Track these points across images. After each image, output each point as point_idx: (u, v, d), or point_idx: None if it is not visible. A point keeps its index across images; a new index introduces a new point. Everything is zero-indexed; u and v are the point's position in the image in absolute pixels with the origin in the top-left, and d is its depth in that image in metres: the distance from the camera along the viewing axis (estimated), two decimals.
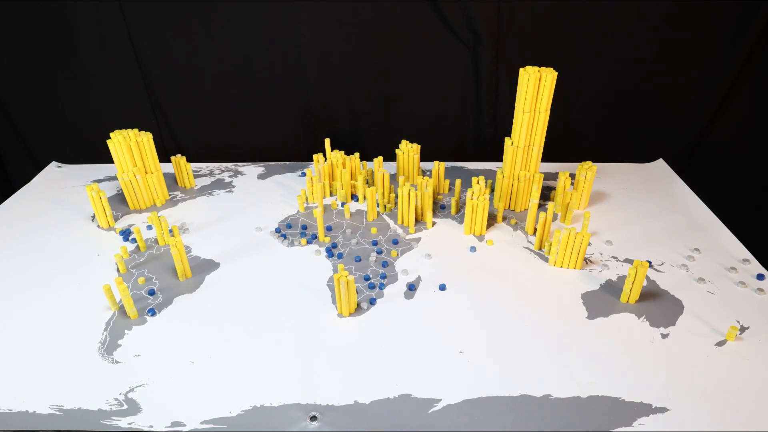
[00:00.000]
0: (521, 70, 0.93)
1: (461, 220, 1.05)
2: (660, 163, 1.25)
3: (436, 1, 1.16)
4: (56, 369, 0.72)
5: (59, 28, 1.22)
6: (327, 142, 1.14)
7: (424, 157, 1.17)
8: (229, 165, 1.27)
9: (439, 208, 1.09)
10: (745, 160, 1.38)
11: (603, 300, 0.84)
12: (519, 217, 1.06)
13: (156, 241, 0.98)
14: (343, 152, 1.12)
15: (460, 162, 1.26)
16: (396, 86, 1.31)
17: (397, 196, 1.07)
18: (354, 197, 1.13)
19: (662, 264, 0.92)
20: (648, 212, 1.06)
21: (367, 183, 1.15)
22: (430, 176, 1.18)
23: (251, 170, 1.25)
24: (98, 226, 1.03)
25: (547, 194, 1.13)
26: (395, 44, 1.24)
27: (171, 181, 1.19)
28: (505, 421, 0.65)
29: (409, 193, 0.99)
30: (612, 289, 0.86)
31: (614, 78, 1.27)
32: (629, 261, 0.92)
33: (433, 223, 1.04)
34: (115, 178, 1.20)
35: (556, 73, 0.92)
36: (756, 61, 1.21)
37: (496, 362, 0.73)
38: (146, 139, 1.05)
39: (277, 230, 1.01)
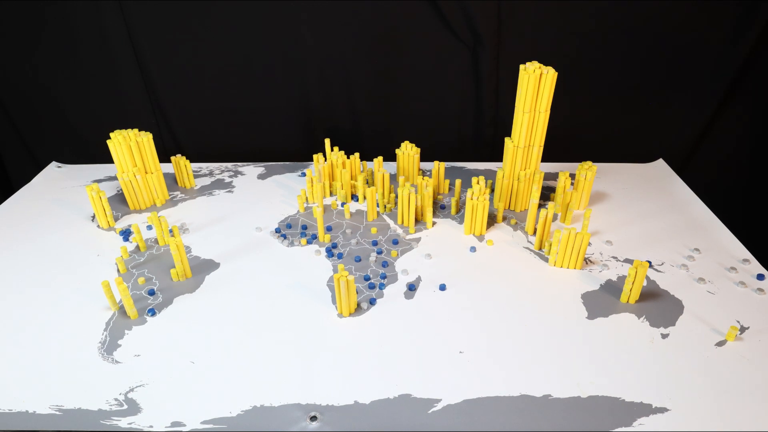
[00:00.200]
0: (521, 68, 0.93)
1: (461, 220, 1.05)
2: (660, 163, 1.25)
3: (436, 1, 1.16)
4: (56, 369, 0.72)
5: (59, 28, 1.22)
6: (327, 142, 1.14)
7: (424, 157, 1.17)
8: (229, 165, 1.27)
9: (439, 208, 1.09)
10: (745, 160, 1.38)
11: (603, 300, 0.84)
12: (519, 217, 1.06)
13: (156, 241, 0.98)
14: (342, 152, 1.12)
15: (460, 162, 1.26)
16: (396, 86, 1.31)
17: (397, 197, 1.07)
18: (354, 197, 1.13)
19: (662, 264, 0.92)
20: (648, 212, 1.06)
21: (367, 183, 1.15)
22: (430, 176, 1.18)
23: (251, 170, 1.25)
24: (98, 226, 1.03)
25: (547, 194, 1.13)
26: (395, 44, 1.24)
27: (171, 181, 1.19)
28: (505, 421, 0.65)
29: (409, 194, 0.99)
30: (612, 289, 0.86)
31: (614, 78, 1.27)
32: (629, 261, 0.92)
33: (433, 223, 1.04)
34: (115, 178, 1.20)
35: (556, 73, 0.92)
36: (756, 61, 1.21)
37: (496, 362, 0.73)
38: (146, 139, 1.05)
39: (277, 230, 1.01)
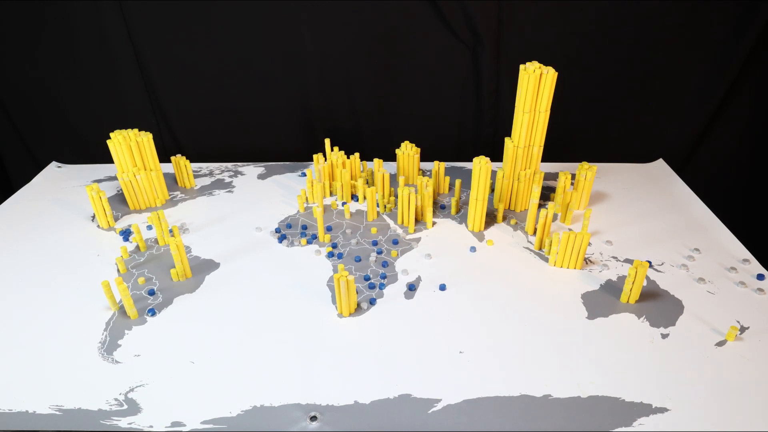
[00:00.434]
0: (521, 68, 0.93)
1: (461, 220, 1.05)
2: (660, 163, 1.25)
3: (436, 1, 1.16)
4: (56, 369, 0.72)
5: (59, 28, 1.22)
6: (327, 142, 1.13)
7: (424, 157, 1.17)
8: (229, 165, 1.27)
9: (439, 208, 1.09)
10: (745, 160, 1.38)
11: (603, 300, 0.84)
12: (519, 217, 1.06)
13: (156, 241, 0.98)
14: (342, 152, 1.12)
15: (460, 162, 1.26)
16: (396, 86, 1.31)
17: (396, 197, 1.07)
18: (354, 197, 1.13)
19: (662, 264, 0.92)
20: (648, 212, 1.06)
21: (367, 183, 1.15)
22: (430, 176, 1.18)
23: (251, 170, 1.25)
24: (98, 226, 1.03)
25: (547, 194, 1.13)
26: (395, 44, 1.24)
27: (171, 181, 1.19)
28: (505, 421, 0.65)
29: (409, 194, 0.99)
30: (612, 289, 0.86)
31: (614, 78, 1.27)
32: (629, 261, 0.92)
33: (433, 223, 1.04)
34: (115, 178, 1.20)
35: (556, 73, 0.92)
36: (756, 61, 1.21)
37: (496, 362, 0.73)
38: (146, 139, 1.05)
39: (277, 230, 1.01)
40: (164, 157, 1.25)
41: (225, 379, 0.71)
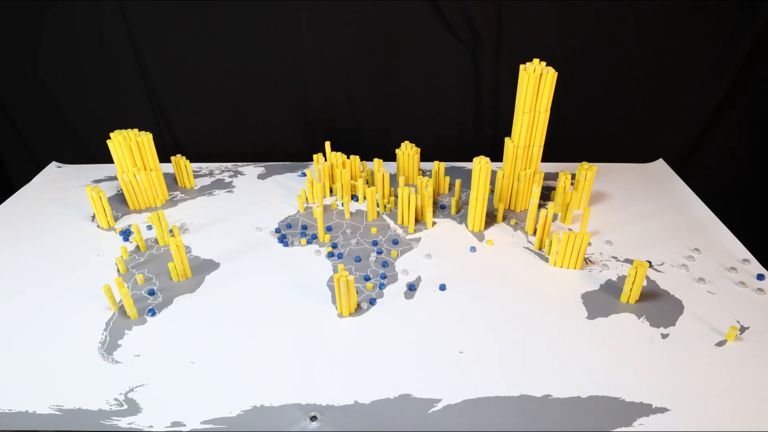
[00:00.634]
0: (521, 68, 0.93)
1: (461, 220, 1.05)
2: (660, 163, 1.25)
3: (436, 1, 1.16)
4: (56, 369, 0.72)
5: (59, 28, 1.22)
6: (327, 145, 1.13)
7: (424, 157, 1.17)
8: (229, 165, 1.27)
9: (439, 208, 1.09)
10: (745, 160, 1.38)
11: (603, 300, 0.84)
12: (519, 217, 1.06)
13: (156, 241, 0.98)
14: (344, 155, 1.12)
15: (460, 162, 1.26)
16: (396, 86, 1.31)
17: (396, 197, 1.07)
18: (354, 197, 1.13)
19: (662, 264, 0.92)
20: (648, 212, 1.06)
21: (367, 183, 1.15)
22: (429, 176, 1.18)
23: (251, 170, 1.25)
24: (98, 226, 1.03)
25: (547, 194, 1.13)
26: (395, 44, 1.24)
27: (171, 181, 1.19)
28: (505, 421, 0.65)
29: (409, 194, 0.99)
30: (612, 289, 0.86)
31: (614, 78, 1.27)
32: (629, 261, 0.92)
33: (433, 223, 1.04)
34: (115, 178, 1.20)
35: (556, 73, 0.92)
36: (756, 61, 1.21)
37: (496, 362, 0.73)
38: (146, 139, 1.05)
39: (277, 230, 1.01)
40: (164, 157, 1.25)
41: (225, 379, 0.71)
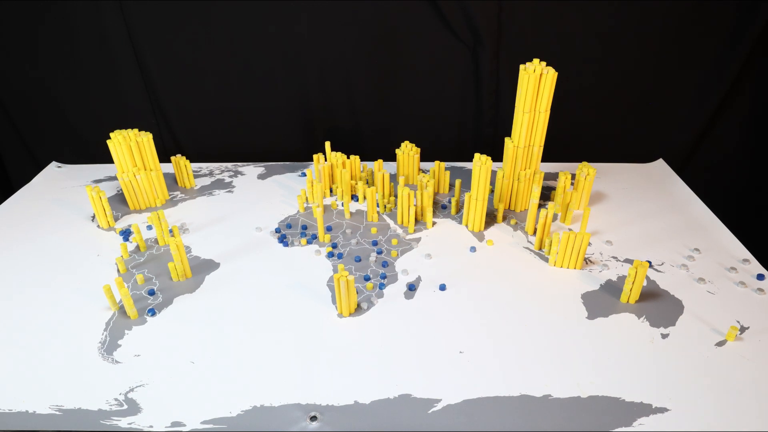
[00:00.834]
0: (521, 68, 0.93)
1: (461, 220, 1.05)
2: (660, 163, 1.25)
3: (436, 1, 1.16)
4: (56, 369, 0.72)
5: (59, 28, 1.22)
6: (327, 145, 1.13)
7: (424, 157, 1.17)
8: (229, 165, 1.27)
9: (440, 207, 1.09)
10: (745, 160, 1.38)
11: (603, 300, 0.84)
12: (519, 217, 1.06)
13: (156, 241, 0.98)
14: (344, 155, 1.12)
15: (460, 162, 1.26)
16: (396, 86, 1.31)
17: (396, 197, 1.07)
18: (354, 197, 1.13)
19: (662, 264, 0.92)
20: (648, 212, 1.06)
21: (367, 183, 1.15)
22: (428, 173, 1.17)
23: (251, 170, 1.25)
24: (98, 226, 1.03)
25: (547, 194, 1.13)
26: (395, 44, 1.24)
27: (171, 181, 1.19)
28: (505, 421, 0.65)
29: (409, 194, 0.99)
30: (612, 289, 0.86)
31: (614, 78, 1.27)
32: (629, 261, 0.92)
33: (433, 223, 1.04)
34: (115, 178, 1.20)
35: (556, 73, 0.92)
36: (756, 61, 1.21)
37: (496, 362, 0.73)
38: (146, 139, 1.05)
39: (277, 230, 1.01)
40: (164, 157, 1.25)
41: (225, 379, 0.71)
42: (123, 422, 0.65)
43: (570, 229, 0.94)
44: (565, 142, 1.22)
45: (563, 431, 0.64)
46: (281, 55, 1.26)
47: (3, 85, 1.32)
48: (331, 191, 1.14)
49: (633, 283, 0.81)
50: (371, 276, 0.89)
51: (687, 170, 1.38)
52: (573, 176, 1.14)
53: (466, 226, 1.02)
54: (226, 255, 0.95)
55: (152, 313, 0.82)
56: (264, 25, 1.22)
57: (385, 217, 1.06)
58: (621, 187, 1.16)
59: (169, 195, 1.14)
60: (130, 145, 1.03)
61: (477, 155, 0.96)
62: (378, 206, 1.09)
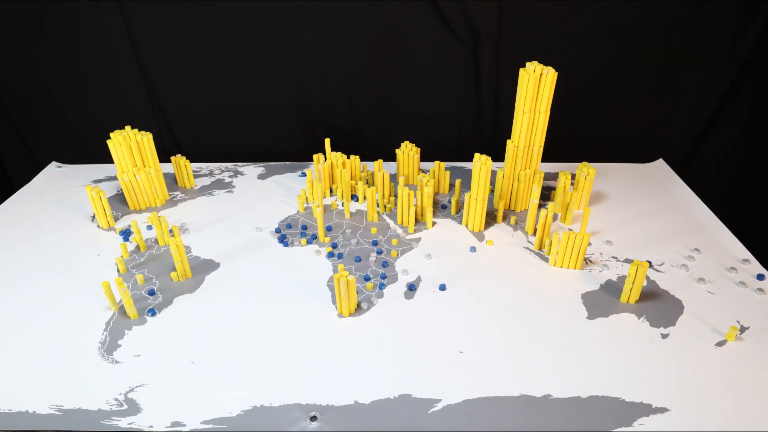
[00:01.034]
0: (521, 69, 0.93)
1: (461, 220, 1.05)
2: (660, 163, 1.25)
3: (436, 1, 1.16)
4: (56, 369, 0.72)
5: (59, 28, 1.22)
6: (327, 142, 1.13)
7: (424, 157, 1.17)
8: (229, 165, 1.27)
9: (440, 207, 1.09)
10: (745, 159, 1.38)
11: (603, 300, 0.84)
12: (519, 217, 1.06)
13: (156, 241, 0.98)
14: (344, 155, 1.12)
15: (460, 162, 1.26)
16: (396, 86, 1.31)
17: (396, 197, 1.07)
18: (354, 197, 1.12)
19: (662, 264, 0.92)
20: (648, 212, 1.06)
21: (367, 183, 1.15)
22: (428, 173, 1.17)
23: (251, 170, 1.25)
24: (98, 226, 1.03)
25: (547, 194, 1.13)
26: (395, 44, 1.24)
27: (171, 181, 1.19)
28: (505, 421, 0.65)
29: (409, 194, 0.99)
30: (612, 289, 0.86)
31: (614, 78, 1.27)
32: (629, 261, 0.92)
33: (433, 223, 1.04)
34: (115, 178, 1.20)
35: (556, 73, 0.92)
36: (756, 61, 1.21)
37: (496, 362, 0.73)
38: (146, 139, 1.05)
39: (277, 230, 1.01)
40: (164, 157, 1.25)
41: (225, 379, 0.71)
42: (123, 422, 0.65)
43: (570, 229, 0.94)
44: (565, 142, 1.22)
45: (563, 431, 0.64)
46: (281, 55, 1.26)
47: (3, 85, 1.32)
48: (331, 191, 1.14)
49: (633, 283, 0.81)
50: (371, 276, 0.89)
51: (687, 170, 1.38)
52: (573, 176, 1.14)
53: (466, 226, 1.03)
54: (226, 255, 0.95)
55: (152, 313, 0.82)
56: (264, 25, 1.22)
57: (385, 217, 1.06)
58: (621, 187, 1.16)
59: (169, 195, 1.14)
60: (130, 145, 1.03)
61: (477, 155, 0.96)
62: (378, 206, 1.09)
